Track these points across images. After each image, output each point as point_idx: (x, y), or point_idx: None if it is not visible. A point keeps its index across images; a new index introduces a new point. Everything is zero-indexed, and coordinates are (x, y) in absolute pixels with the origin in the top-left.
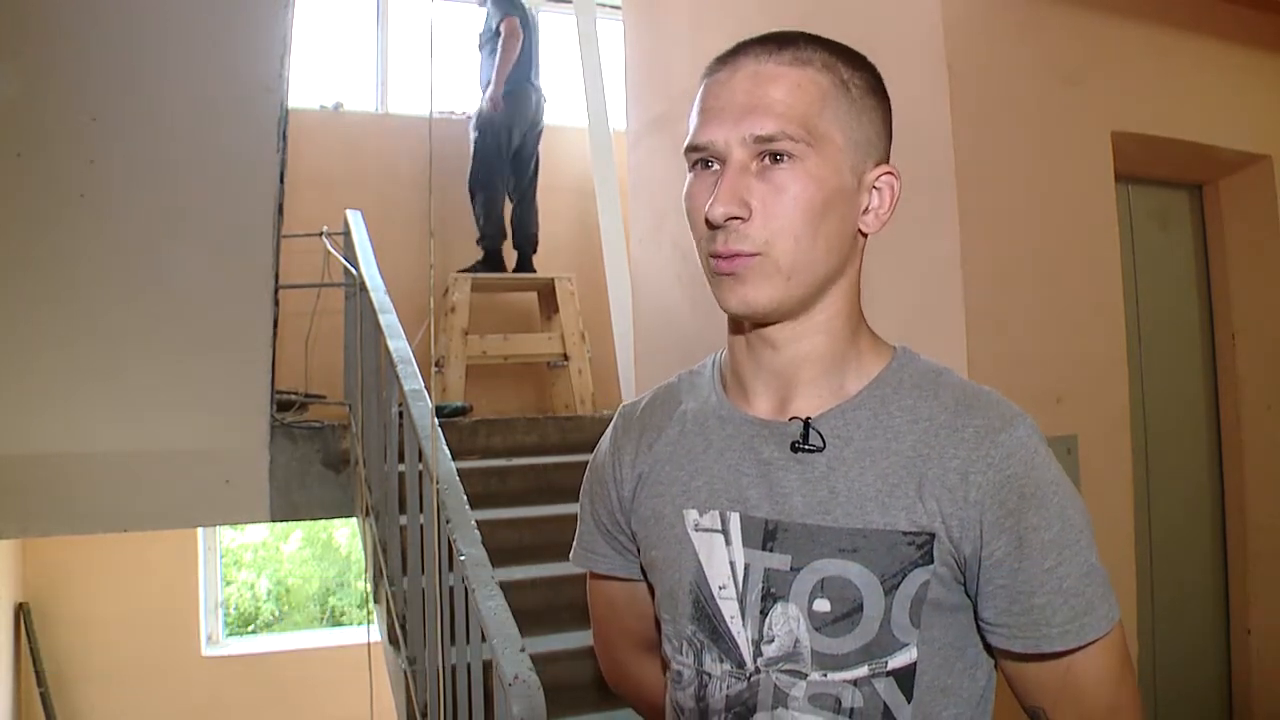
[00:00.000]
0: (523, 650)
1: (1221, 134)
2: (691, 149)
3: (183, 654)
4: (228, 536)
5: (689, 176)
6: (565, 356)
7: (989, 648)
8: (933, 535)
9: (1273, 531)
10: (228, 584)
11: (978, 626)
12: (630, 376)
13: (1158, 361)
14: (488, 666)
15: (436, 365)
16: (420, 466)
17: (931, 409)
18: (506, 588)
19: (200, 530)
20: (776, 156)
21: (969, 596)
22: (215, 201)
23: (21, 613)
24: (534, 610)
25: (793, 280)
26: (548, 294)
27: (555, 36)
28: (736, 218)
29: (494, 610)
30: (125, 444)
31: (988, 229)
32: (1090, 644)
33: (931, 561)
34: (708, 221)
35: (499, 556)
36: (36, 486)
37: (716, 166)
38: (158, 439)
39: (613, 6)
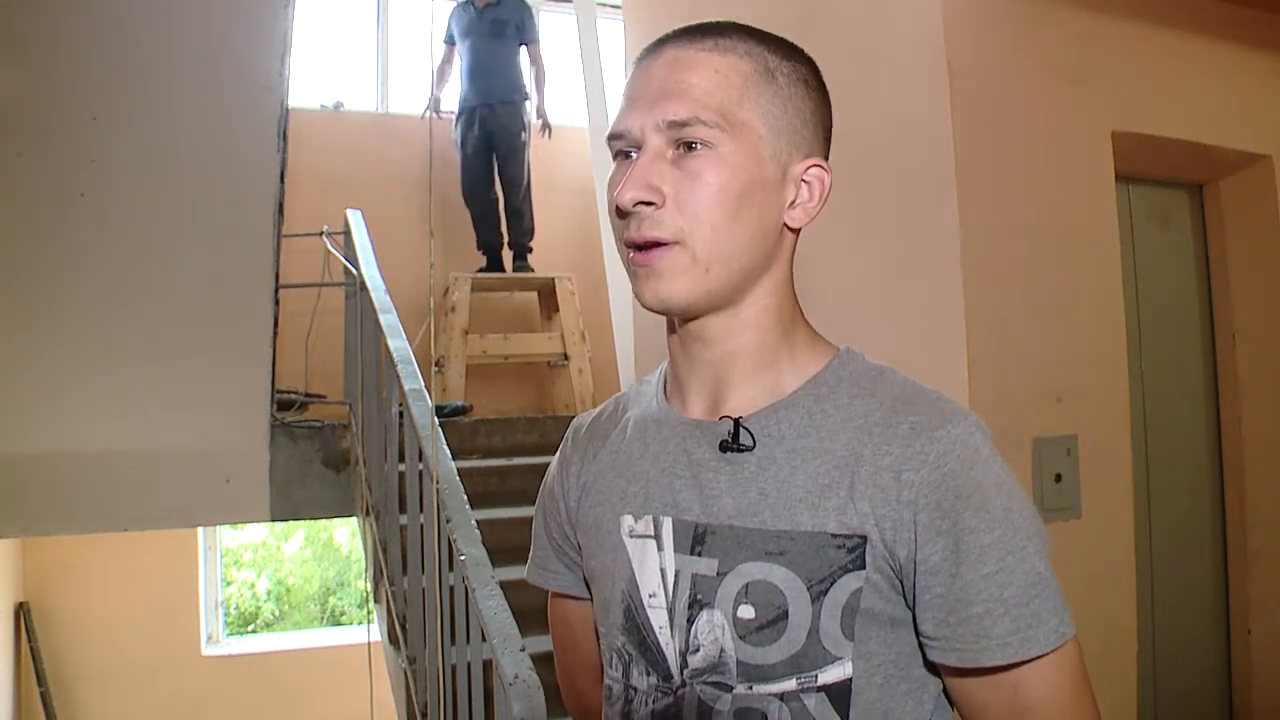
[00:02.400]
0: (523, 650)
1: (1221, 134)
2: (611, 137)
3: (183, 654)
4: (228, 536)
5: (613, 167)
6: (565, 356)
7: (933, 667)
8: (864, 538)
9: (1273, 531)
10: (228, 584)
11: (919, 642)
12: (630, 376)
13: (1158, 361)
14: (488, 666)
15: (436, 365)
16: (420, 466)
17: (868, 406)
18: (506, 587)
19: (200, 530)
20: (692, 144)
21: (910, 609)
22: (215, 201)
23: (21, 612)
24: (534, 610)
25: (711, 272)
26: (548, 294)
27: (555, 36)
28: (648, 203)
29: (494, 610)
30: (125, 444)
31: (988, 229)
32: (1036, 659)
33: (863, 566)
34: (619, 209)
35: (499, 556)
36: (36, 486)
37: (635, 155)
38: (158, 439)
39: (613, 6)
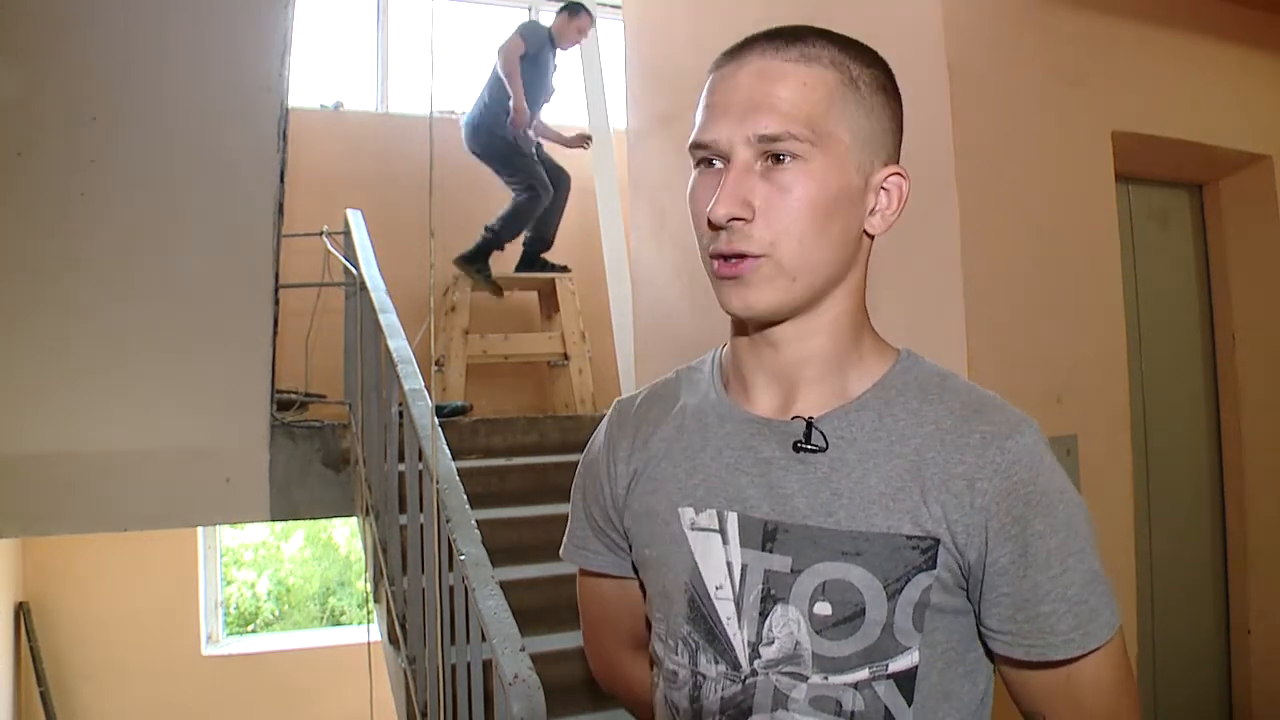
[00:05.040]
0: (523, 650)
1: (1221, 134)
2: (696, 146)
3: (183, 653)
4: (228, 536)
5: (693, 174)
6: (565, 356)
7: (989, 652)
8: (937, 540)
9: (1273, 531)
10: (228, 583)
11: (979, 632)
12: (630, 376)
13: (1158, 361)
14: (488, 666)
15: (436, 365)
16: (420, 466)
17: (937, 413)
18: (506, 587)
19: (200, 530)
20: (780, 157)
21: (970, 601)
22: (215, 201)
23: (21, 612)
24: (534, 610)
25: (798, 283)
26: (548, 293)
27: None
28: (739, 219)
29: (494, 610)
30: (125, 444)
31: (988, 229)
32: (1092, 652)
33: (934, 566)
34: (710, 222)
35: (499, 556)
36: (36, 486)
37: (720, 165)
38: (157, 438)
39: (613, 6)
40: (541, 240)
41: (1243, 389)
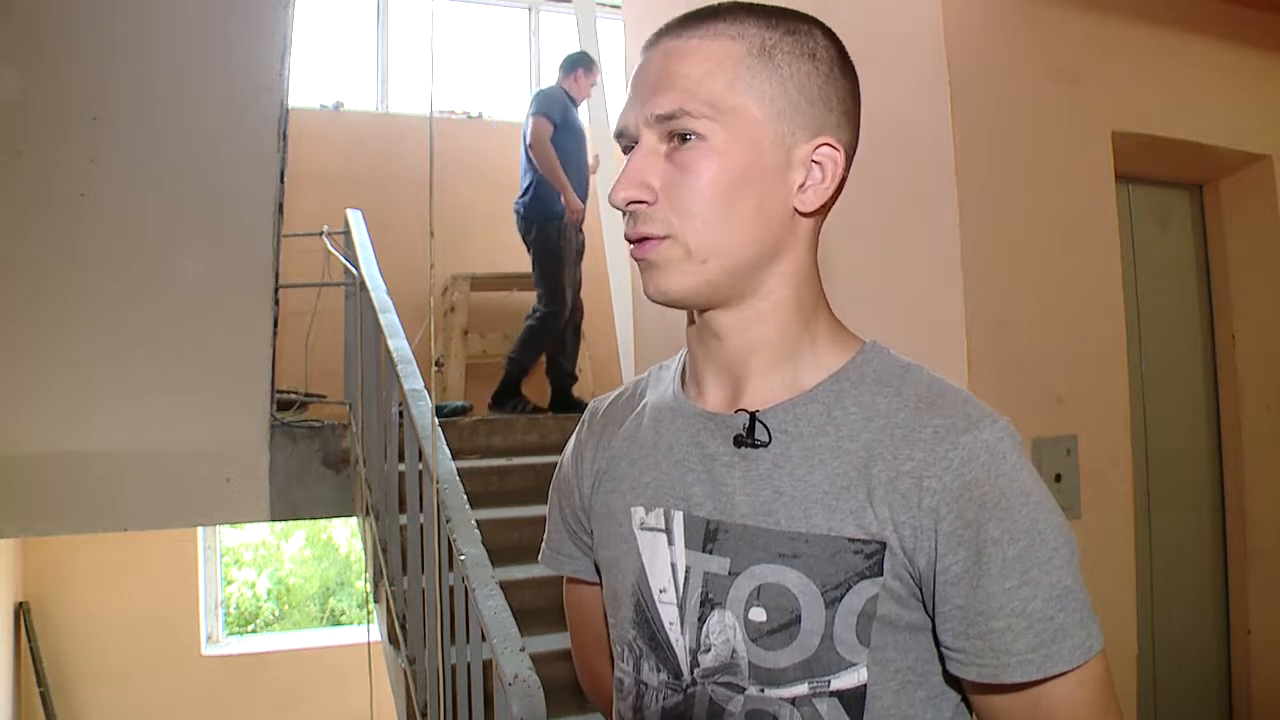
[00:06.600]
0: (523, 650)
1: (1221, 134)
2: (616, 135)
3: (183, 654)
4: (228, 536)
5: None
6: None
7: (954, 676)
8: (883, 544)
9: (1273, 531)
10: (228, 583)
11: (938, 652)
12: (630, 376)
13: (1158, 361)
14: (488, 666)
15: (436, 365)
16: (420, 466)
17: (891, 406)
18: (506, 587)
19: (200, 530)
20: (686, 136)
21: (929, 616)
22: (215, 201)
23: (21, 612)
24: (534, 610)
25: (709, 264)
26: None
27: (555, 37)
28: (640, 201)
29: (494, 610)
30: (125, 444)
31: (988, 229)
32: (1060, 676)
33: (881, 573)
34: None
35: (499, 556)
36: (36, 486)
37: None
38: (158, 439)
39: (613, 6)
40: (567, 376)
41: (1243, 389)
